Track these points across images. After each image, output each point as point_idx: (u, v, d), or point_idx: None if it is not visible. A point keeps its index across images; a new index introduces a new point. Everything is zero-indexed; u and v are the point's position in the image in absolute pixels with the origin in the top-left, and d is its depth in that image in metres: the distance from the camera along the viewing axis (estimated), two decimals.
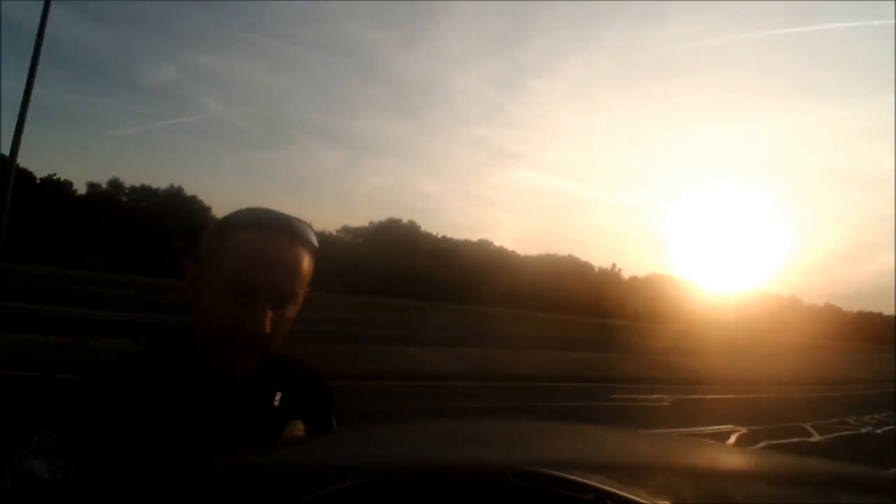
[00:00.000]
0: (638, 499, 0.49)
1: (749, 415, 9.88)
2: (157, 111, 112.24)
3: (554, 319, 40.40)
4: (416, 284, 58.89)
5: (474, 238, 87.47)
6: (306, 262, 0.86)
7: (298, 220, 0.88)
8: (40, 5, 9.06)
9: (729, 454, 0.67)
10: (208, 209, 56.13)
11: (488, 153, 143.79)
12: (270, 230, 0.83)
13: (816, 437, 8.75)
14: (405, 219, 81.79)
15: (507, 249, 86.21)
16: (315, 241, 0.89)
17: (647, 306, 57.07)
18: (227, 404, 0.87)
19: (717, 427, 8.43)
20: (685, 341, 24.77)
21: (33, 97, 8.98)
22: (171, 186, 55.84)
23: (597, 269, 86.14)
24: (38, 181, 46.32)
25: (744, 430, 8.48)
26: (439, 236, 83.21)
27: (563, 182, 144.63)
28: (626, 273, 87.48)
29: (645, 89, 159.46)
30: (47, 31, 9.09)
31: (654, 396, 10.93)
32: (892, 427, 10.68)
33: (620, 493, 0.50)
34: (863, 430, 9.97)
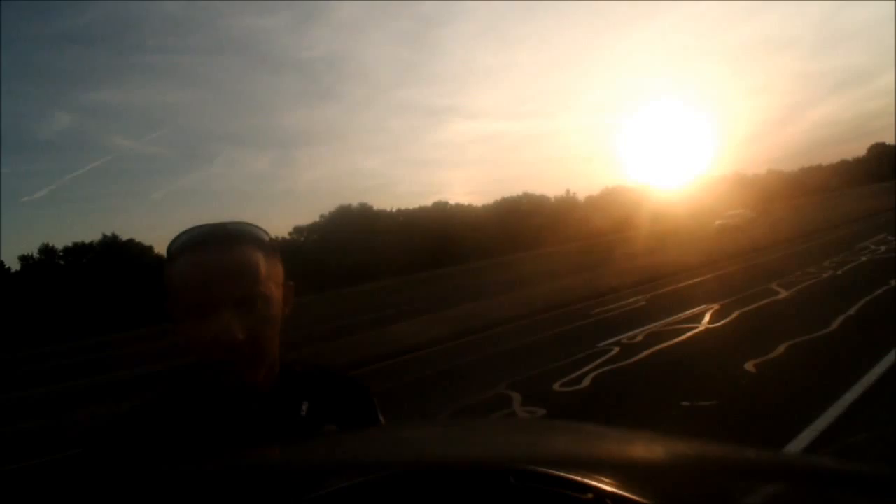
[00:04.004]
0: (638, 499, 0.49)
1: (719, 291, 10.28)
2: (65, 164, 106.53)
3: (521, 259, 40.87)
4: (384, 264, 58.61)
5: (429, 203, 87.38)
6: (256, 260, 0.84)
7: (235, 222, 0.87)
8: None
9: (729, 453, 0.64)
10: (150, 248, 54.32)
11: (419, 114, 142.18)
12: (203, 243, 0.83)
13: (783, 294, 9.20)
14: (355, 202, 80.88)
15: (463, 204, 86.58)
16: (261, 236, 0.88)
17: (608, 220, 58.31)
18: (248, 422, 0.85)
19: (690, 311, 8.74)
20: (650, 242, 25.52)
21: None
22: (105, 236, 53.63)
23: (553, 199, 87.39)
24: None
25: (716, 306, 8.83)
26: (394, 210, 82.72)
27: (500, 124, 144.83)
28: (582, 195, 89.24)
29: (549, 12, 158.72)
30: None
31: (630, 300, 11.26)
32: (851, 266, 11.31)
33: (620, 492, 0.49)
34: (825, 276, 10.52)
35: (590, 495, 0.50)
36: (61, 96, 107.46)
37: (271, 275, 0.86)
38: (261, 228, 0.89)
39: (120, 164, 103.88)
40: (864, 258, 12.23)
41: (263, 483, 0.54)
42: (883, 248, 13.57)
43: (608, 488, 0.50)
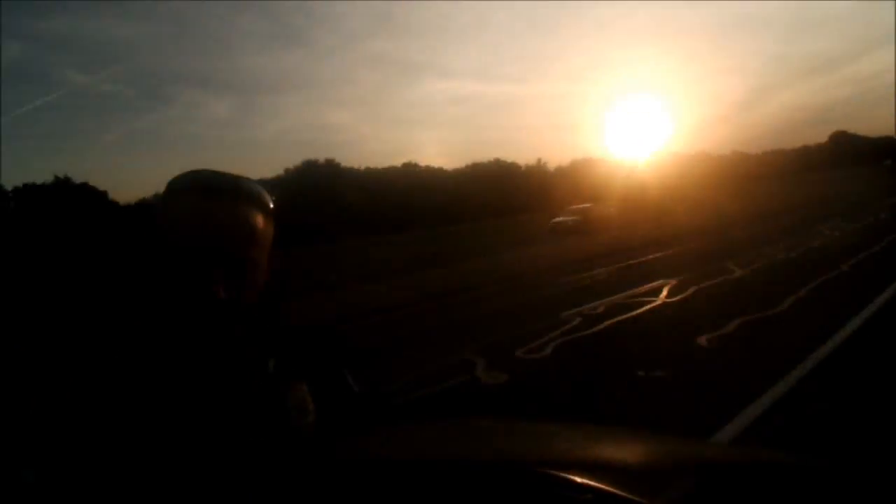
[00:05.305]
0: (638, 499, 0.49)
1: (678, 268, 10.59)
2: (13, 97, 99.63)
3: (492, 226, 41.04)
4: (351, 223, 58.04)
5: (399, 163, 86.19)
6: (259, 225, 0.82)
7: (247, 180, 0.84)
8: None
9: (728, 453, 0.67)
10: (104, 193, 51.97)
11: (393, 69, 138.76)
12: (212, 191, 0.79)
13: (738, 273, 9.53)
14: (322, 158, 79.01)
15: (434, 167, 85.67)
16: (268, 201, 0.85)
17: (577, 192, 58.81)
18: (212, 379, 0.82)
19: (649, 285, 9.00)
20: (619, 215, 25.92)
21: None
22: (58, 178, 51.00)
23: (523, 168, 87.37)
24: None
25: (673, 281, 9.11)
26: (363, 169, 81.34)
27: (475, 85, 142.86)
28: (552, 165, 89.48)
29: None
30: None
31: (595, 272, 11.52)
32: (804, 249, 11.77)
33: (620, 493, 0.49)
34: (778, 258, 10.92)
35: (589, 495, 0.50)
36: (14, 23, 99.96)
37: (265, 241, 0.85)
38: (267, 192, 0.87)
39: (73, 99, 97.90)
40: (816, 243, 12.74)
41: (265, 484, 0.54)
42: (837, 233, 14.14)
43: (608, 489, 0.50)
